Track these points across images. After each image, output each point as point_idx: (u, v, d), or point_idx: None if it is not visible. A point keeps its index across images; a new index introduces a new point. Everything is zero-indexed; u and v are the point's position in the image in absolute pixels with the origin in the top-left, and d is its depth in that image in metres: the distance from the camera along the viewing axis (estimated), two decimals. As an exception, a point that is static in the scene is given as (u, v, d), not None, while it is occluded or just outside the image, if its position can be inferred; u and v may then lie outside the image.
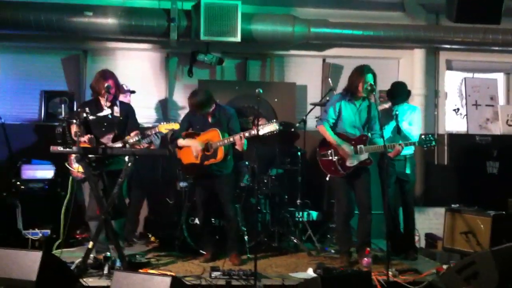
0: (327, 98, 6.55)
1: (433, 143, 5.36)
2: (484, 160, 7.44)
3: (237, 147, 5.41)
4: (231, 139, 5.37)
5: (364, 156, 5.46)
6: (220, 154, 5.44)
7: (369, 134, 5.54)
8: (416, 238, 6.27)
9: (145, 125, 6.28)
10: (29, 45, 7.24)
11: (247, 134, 5.32)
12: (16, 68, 7.27)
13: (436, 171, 7.57)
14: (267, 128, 5.21)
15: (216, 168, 5.54)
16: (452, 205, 6.06)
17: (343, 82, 6.53)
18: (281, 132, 6.38)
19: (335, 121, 5.57)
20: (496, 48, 7.65)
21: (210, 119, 5.62)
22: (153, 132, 5.35)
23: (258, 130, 5.15)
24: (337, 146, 5.47)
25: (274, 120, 5.30)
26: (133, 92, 6.59)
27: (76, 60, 7.35)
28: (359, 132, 5.54)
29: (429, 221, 6.71)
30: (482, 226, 5.61)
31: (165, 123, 5.40)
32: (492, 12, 5.38)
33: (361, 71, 5.47)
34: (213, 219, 5.85)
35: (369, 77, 5.42)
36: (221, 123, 5.57)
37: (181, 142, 5.63)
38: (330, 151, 5.53)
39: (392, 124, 5.86)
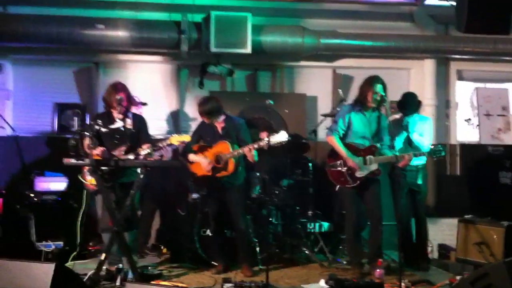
0: (338, 109, 6.55)
1: (442, 153, 5.35)
2: (497, 170, 7.40)
3: (248, 158, 5.43)
4: (241, 151, 5.38)
5: (373, 167, 5.45)
6: (231, 166, 5.46)
7: (379, 145, 5.54)
8: (429, 249, 6.22)
9: (157, 137, 6.30)
10: (41, 57, 7.32)
11: (256, 146, 5.33)
12: (28, 81, 7.36)
13: (449, 182, 7.54)
14: (276, 138, 5.20)
15: (227, 180, 5.55)
16: (465, 216, 6.00)
17: (353, 93, 6.53)
18: (292, 143, 6.41)
19: (344, 132, 5.57)
20: (507, 58, 7.65)
21: (220, 131, 5.65)
22: (165, 144, 5.38)
23: (267, 144, 5.14)
24: (346, 158, 5.47)
25: (283, 130, 5.28)
26: (144, 104, 6.63)
27: (88, 72, 7.42)
28: (369, 142, 5.53)
29: (442, 232, 6.65)
30: (495, 237, 5.55)
31: (176, 135, 5.43)
32: (501, 23, 5.37)
33: (370, 82, 5.48)
34: (225, 231, 5.85)
35: (379, 87, 5.44)
36: (231, 135, 5.59)
37: (191, 157, 5.65)
38: (339, 162, 5.52)
39: (403, 135, 5.85)
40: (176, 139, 5.34)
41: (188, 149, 5.66)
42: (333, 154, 5.60)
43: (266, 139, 5.19)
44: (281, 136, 5.18)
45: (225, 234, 5.81)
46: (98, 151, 5.09)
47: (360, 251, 5.65)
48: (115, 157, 5.16)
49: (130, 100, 5.44)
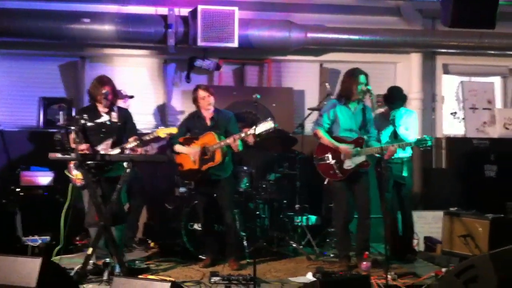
0: (325, 103, 6.57)
1: (429, 143, 5.38)
2: (482, 163, 7.45)
3: (233, 148, 5.44)
4: (228, 141, 5.38)
5: (361, 159, 5.48)
6: (218, 157, 5.45)
7: (366, 137, 5.56)
8: (415, 241, 6.27)
9: (143, 131, 6.28)
10: (27, 52, 7.25)
11: (242, 135, 5.33)
12: (14, 75, 7.29)
13: (434, 175, 7.58)
14: (262, 126, 5.18)
15: (214, 172, 5.54)
16: (451, 209, 6.07)
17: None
18: (279, 136, 6.44)
19: (330, 126, 5.59)
20: (493, 52, 7.71)
21: (208, 123, 5.64)
22: (151, 137, 5.36)
23: (255, 130, 5.12)
24: (336, 147, 5.48)
25: (269, 118, 5.27)
26: (131, 97, 6.60)
27: (74, 66, 7.38)
28: (356, 135, 5.55)
29: (428, 225, 6.70)
30: (480, 229, 5.62)
31: (163, 127, 5.41)
32: (486, 17, 5.40)
33: (353, 74, 5.51)
34: (213, 225, 5.85)
35: (362, 78, 5.47)
36: (219, 127, 5.59)
37: (178, 148, 5.64)
38: (327, 155, 5.54)
39: (389, 129, 5.87)
40: (163, 132, 5.33)
41: (175, 141, 5.65)
42: (321, 148, 5.61)
43: (253, 128, 5.17)
44: (267, 124, 5.16)
45: (213, 228, 5.81)
46: (84, 146, 5.06)
47: (348, 244, 5.68)
48: (99, 152, 5.13)
49: (116, 94, 5.40)
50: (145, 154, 5.94)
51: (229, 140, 5.37)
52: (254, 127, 5.17)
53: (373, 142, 5.52)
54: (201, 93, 5.62)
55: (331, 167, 5.52)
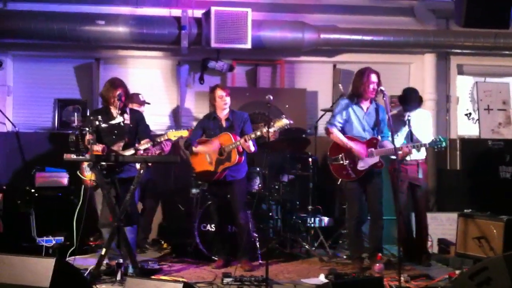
0: (340, 100, 6.55)
1: (443, 143, 5.35)
2: (497, 164, 7.37)
3: (245, 148, 5.46)
4: (243, 140, 5.40)
5: (375, 159, 5.45)
6: (234, 157, 5.47)
7: (379, 137, 5.54)
8: (429, 243, 6.24)
9: (157, 133, 6.32)
10: (42, 53, 7.32)
11: (253, 136, 5.35)
12: (29, 77, 7.37)
13: (449, 176, 7.52)
14: (277, 124, 5.19)
15: (229, 173, 5.56)
16: (465, 210, 6.02)
17: (353, 88, 6.53)
18: (292, 138, 6.43)
19: (343, 126, 5.57)
20: (507, 52, 7.63)
21: (224, 124, 5.67)
22: (162, 139, 5.39)
23: (267, 130, 5.12)
24: (350, 147, 5.46)
25: (283, 116, 5.28)
26: (148, 103, 6.64)
27: (88, 68, 7.43)
28: (370, 135, 5.53)
29: (442, 227, 6.67)
30: (495, 231, 5.56)
31: (173, 130, 5.44)
32: (500, 17, 5.35)
33: (363, 73, 5.49)
34: (227, 225, 5.86)
35: (373, 77, 5.45)
36: (235, 127, 5.61)
37: (196, 148, 5.67)
38: (341, 155, 5.51)
39: (405, 130, 5.85)
40: (174, 134, 5.37)
41: (192, 142, 5.68)
42: (335, 148, 5.59)
43: (265, 129, 5.16)
44: (282, 122, 5.17)
45: (225, 229, 5.83)
46: (99, 147, 5.10)
47: (361, 246, 5.66)
48: (114, 153, 5.17)
49: (128, 96, 5.44)
50: (159, 155, 5.96)
51: (241, 140, 5.39)
52: (268, 126, 5.15)
53: (386, 142, 5.50)
54: (219, 92, 5.65)
55: (345, 167, 5.50)
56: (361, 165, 5.45)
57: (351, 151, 5.45)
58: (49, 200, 6.25)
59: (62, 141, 5.59)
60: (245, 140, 5.37)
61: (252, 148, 5.45)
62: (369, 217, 5.66)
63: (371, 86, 5.43)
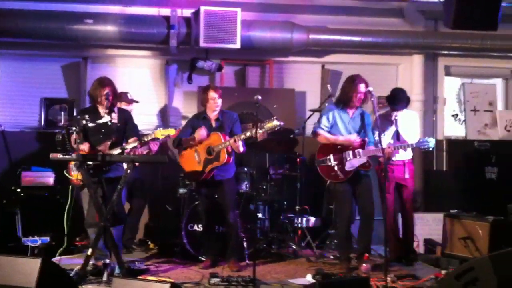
0: (326, 104, 6.58)
1: (431, 144, 5.40)
2: (483, 165, 7.42)
3: (234, 149, 5.45)
4: (232, 140, 5.39)
5: (362, 160, 5.48)
6: (223, 157, 5.46)
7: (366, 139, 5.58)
8: (415, 243, 6.27)
9: (145, 132, 6.30)
10: (29, 52, 7.27)
11: (243, 136, 5.35)
12: (16, 75, 7.31)
13: (435, 177, 7.56)
14: (267, 126, 5.20)
15: (218, 173, 5.55)
16: (451, 211, 6.06)
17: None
18: (280, 138, 6.43)
19: (329, 130, 5.61)
20: (495, 54, 7.69)
21: (213, 124, 5.66)
22: (149, 138, 5.37)
23: (257, 132, 5.14)
24: (343, 140, 5.48)
25: (275, 117, 5.30)
26: (136, 102, 6.61)
27: (76, 67, 7.38)
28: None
29: (429, 227, 6.71)
30: (480, 231, 5.60)
31: (161, 129, 5.43)
32: (489, 19, 5.39)
33: (353, 82, 5.53)
34: (215, 226, 5.85)
35: (362, 86, 5.48)
36: (225, 128, 5.61)
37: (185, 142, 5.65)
38: (328, 157, 5.54)
39: (392, 130, 5.88)
40: (161, 133, 5.35)
41: (179, 141, 5.66)
42: (323, 150, 5.62)
43: (261, 125, 5.17)
44: (273, 124, 5.17)
45: (213, 229, 5.82)
46: (85, 146, 5.07)
47: (350, 246, 5.68)
48: (101, 152, 5.14)
49: (116, 95, 5.42)
50: (146, 154, 5.94)
51: (231, 141, 5.39)
52: (258, 126, 5.15)
53: (371, 147, 5.55)
54: (212, 94, 5.63)
55: (332, 169, 5.52)
56: (349, 166, 5.48)
57: (342, 146, 5.47)
58: (35, 199, 6.21)
59: (48, 140, 5.55)
60: (235, 141, 5.37)
61: (242, 149, 5.45)
62: (357, 218, 5.68)
63: (359, 96, 5.48)
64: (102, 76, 5.56)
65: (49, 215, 5.99)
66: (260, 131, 5.19)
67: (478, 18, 5.46)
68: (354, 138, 5.49)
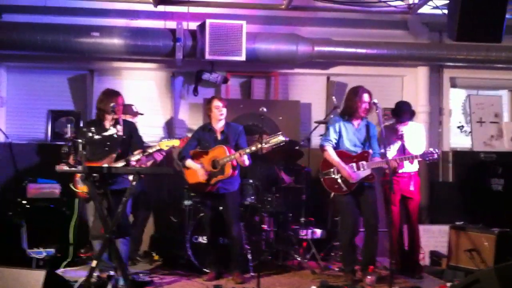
0: (331, 116, 6.59)
1: (435, 155, 5.40)
2: (489, 177, 7.39)
3: (239, 163, 5.46)
4: (237, 154, 5.41)
5: (366, 172, 5.48)
6: (228, 170, 5.48)
7: (370, 151, 5.58)
8: (421, 255, 6.24)
9: (151, 144, 6.32)
10: (35, 65, 7.34)
11: (247, 150, 5.36)
12: (23, 88, 7.38)
13: (441, 188, 7.53)
14: (272, 141, 5.23)
15: (222, 186, 5.56)
16: (457, 223, 6.03)
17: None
18: (286, 150, 6.44)
19: (337, 140, 5.62)
20: (500, 66, 7.67)
21: (219, 136, 5.68)
22: (154, 150, 5.39)
23: (262, 146, 5.17)
24: (343, 170, 5.49)
25: (280, 133, 5.32)
26: (141, 114, 6.64)
27: (82, 79, 7.44)
28: (361, 149, 5.58)
29: (434, 239, 6.67)
30: (486, 243, 5.58)
31: (165, 140, 5.45)
32: (493, 31, 5.39)
33: (356, 93, 5.55)
34: (219, 238, 5.85)
35: (366, 97, 5.50)
36: (230, 140, 5.62)
37: (188, 163, 5.67)
38: (333, 169, 5.56)
39: (398, 143, 5.87)
40: (165, 144, 5.37)
41: (186, 154, 5.68)
42: (327, 162, 5.63)
43: (266, 140, 5.20)
44: (277, 139, 5.21)
45: (218, 241, 5.81)
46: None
47: (354, 259, 5.66)
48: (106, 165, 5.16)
49: (123, 107, 5.45)
50: (152, 166, 5.96)
51: (236, 155, 5.40)
52: (262, 144, 5.18)
53: (376, 158, 5.56)
54: (216, 102, 5.67)
55: (336, 181, 5.53)
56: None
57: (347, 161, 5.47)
58: (41, 211, 6.22)
59: (54, 152, 5.57)
60: (240, 155, 5.38)
61: (247, 162, 5.46)
62: (362, 229, 5.67)
63: (363, 106, 5.50)
64: (109, 88, 5.60)
65: (54, 227, 6.00)
66: (265, 146, 5.22)
67: (482, 30, 5.46)
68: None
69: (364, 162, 5.47)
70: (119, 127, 5.31)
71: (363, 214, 5.58)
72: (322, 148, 5.70)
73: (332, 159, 5.56)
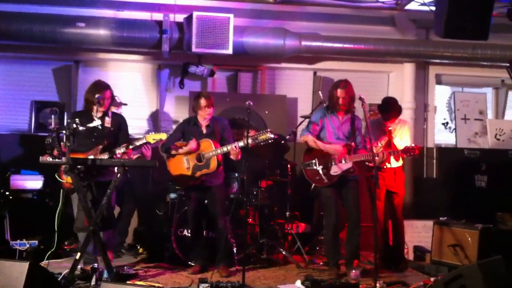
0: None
1: (416, 151, 5.46)
2: (473, 173, 7.46)
3: (231, 157, 5.45)
4: (225, 149, 5.40)
5: (348, 165, 5.50)
6: (213, 165, 5.46)
7: (353, 144, 5.61)
8: (405, 250, 6.29)
9: (136, 136, 6.28)
10: (20, 55, 7.24)
11: (241, 144, 5.35)
12: (6, 78, 7.29)
13: (425, 184, 7.61)
14: (260, 138, 5.25)
15: (207, 179, 5.55)
16: (440, 218, 6.08)
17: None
18: (272, 144, 6.43)
19: (317, 134, 5.64)
20: (485, 63, 7.73)
21: (204, 130, 5.65)
22: (141, 143, 5.36)
23: (248, 141, 5.18)
24: (330, 149, 5.50)
25: (269, 130, 5.33)
26: (124, 104, 6.60)
27: (67, 70, 7.37)
28: (344, 142, 5.60)
29: (418, 234, 6.72)
30: (470, 239, 5.63)
31: (152, 133, 5.41)
32: (479, 28, 5.43)
33: (334, 86, 5.64)
34: (204, 231, 5.83)
35: (340, 92, 5.56)
36: (215, 134, 5.60)
37: (175, 151, 5.63)
38: (314, 161, 5.58)
39: (384, 140, 5.89)
40: (152, 137, 5.34)
41: (169, 145, 5.65)
42: (308, 153, 5.65)
43: (256, 136, 5.23)
44: (265, 136, 5.25)
45: (202, 234, 5.80)
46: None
47: (338, 253, 5.68)
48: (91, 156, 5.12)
49: (112, 99, 5.41)
50: (138, 158, 5.91)
51: (226, 149, 5.39)
52: (249, 138, 5.19)
53: (361, 150, 5.58)
54: (203, 102, 5.61)
55: (317, 173, 5.54)
56: (334, 170, 5.50)
57: (329, 153, 5.48)
58: (24, 203, 6.17)
59: (38, 143, 5.51)
60: (235, 148, 5.38)
61: (239, 156, 5.47)
62: (346, 224, 5.69)
63: (339, 101, 5.51)
64: (99, 79, 5.54)
65: (37, 219, 5.95)
66: (253, 142, 5.23)
67: (469, 28, 5.49)
68: (341, 149, 5.49)
69: (346, 155, 5.49)
70: (107, 119, 5.28)
71: (345, 207, 5.60)
72: (302, 138, 5.72)
73: (315, 144, 5.58)
